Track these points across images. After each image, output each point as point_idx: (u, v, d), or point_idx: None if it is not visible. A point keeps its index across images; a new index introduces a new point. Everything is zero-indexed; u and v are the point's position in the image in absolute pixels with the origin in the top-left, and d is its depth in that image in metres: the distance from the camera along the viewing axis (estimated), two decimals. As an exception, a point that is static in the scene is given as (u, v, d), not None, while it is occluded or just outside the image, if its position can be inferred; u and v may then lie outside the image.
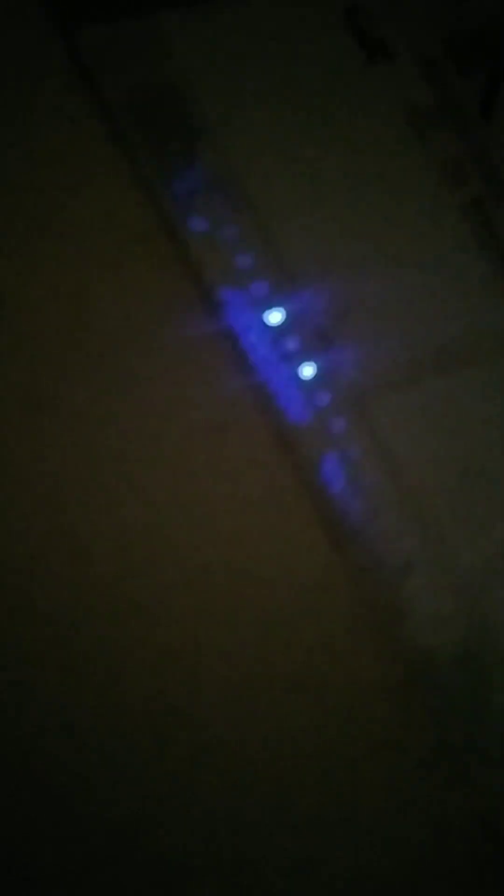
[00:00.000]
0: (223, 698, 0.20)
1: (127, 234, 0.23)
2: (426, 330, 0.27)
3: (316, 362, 0.24)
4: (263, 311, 0.24)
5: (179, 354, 0.22)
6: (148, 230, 0.23)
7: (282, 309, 0.24)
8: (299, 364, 0.24)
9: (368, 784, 0.22)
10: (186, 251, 0.23)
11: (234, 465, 0.22)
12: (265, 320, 0.24)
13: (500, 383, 0.28)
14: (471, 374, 0.28)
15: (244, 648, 0.21)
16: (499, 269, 0.30)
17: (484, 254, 0.30)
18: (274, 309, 0.24)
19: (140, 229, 0.23)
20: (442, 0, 0.32)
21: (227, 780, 0.20)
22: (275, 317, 0.24)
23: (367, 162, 0.28)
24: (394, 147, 0.29)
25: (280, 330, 0.24)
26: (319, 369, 0.24)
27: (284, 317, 0.24)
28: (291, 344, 0.24)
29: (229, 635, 0.21)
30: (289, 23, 0.27)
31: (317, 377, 0.24)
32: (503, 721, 0.24)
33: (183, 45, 0.25)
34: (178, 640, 0.20)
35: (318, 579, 0.23)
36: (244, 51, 0.26)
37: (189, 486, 0.21)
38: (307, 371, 0.24)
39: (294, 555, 0.22)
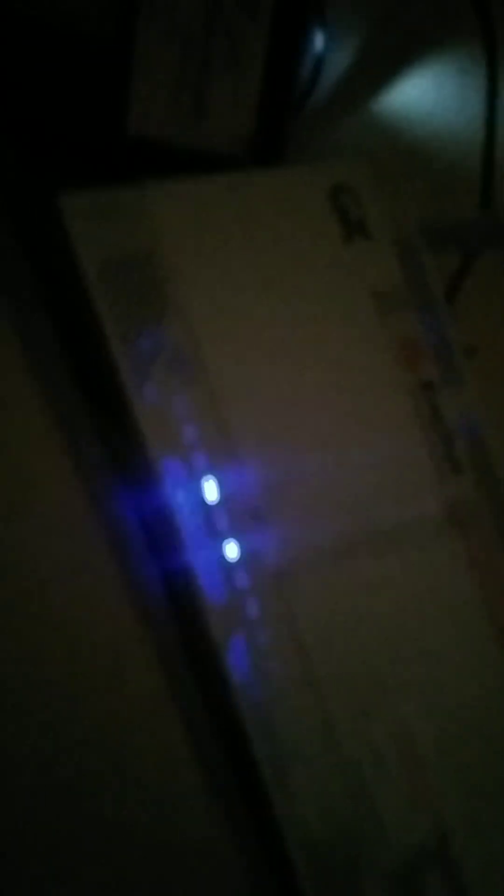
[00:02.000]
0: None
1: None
2: (357, 512, 0.28)
3: (241, 541, 0.25)
4: (200, 484, 0.25)
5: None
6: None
7: (218, 483, 0.25)
8: (224, 542, 0.25)
9: None
10: (135, 420, 0.24)
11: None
12: (201, 495, 0.25)
13: (425, 570, 0.29)
14: (397, 559, 0.29)
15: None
16: (439, 452, 0.31)
17: (428, 436, 0.31)
18: (210, 482, 0.25)
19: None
20: (424, 185, 0.34)
21: None
22: (210, 491, 0.25)
23: (329, 339, 0.29)
24: (356, 325, 0.30)
25: (213, 506, 0.25)
26: (244, 549, 0.25)
27: (219, 492, 0.25)
28: (222, 521, 0.25)
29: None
30: (274, 200, 0.29)
31: (240, 557, 0.25)
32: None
33: (165, 216, 0.26)
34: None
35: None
36: (226, 226, 0.27)
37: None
38: (231, 551, 0.25)
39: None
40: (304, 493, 0.27)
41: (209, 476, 0.25)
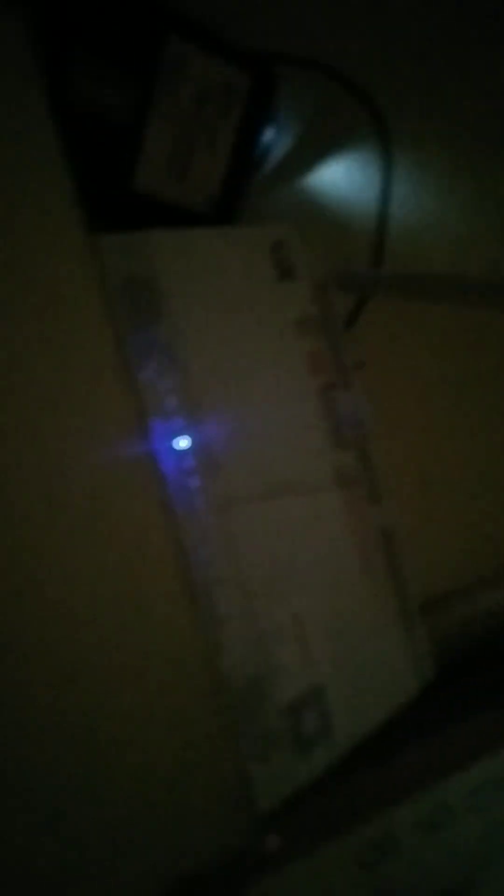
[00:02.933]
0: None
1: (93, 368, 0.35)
2: (277, 466, 0.41)
3: (201, 478, 0.37)
4: (177, 439, 0.37)
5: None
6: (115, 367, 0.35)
7: (188, 437, 0.37)
8: (190, 477, 0.37)
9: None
10: (135, 390, 0.36)
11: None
12: (176, 445, 0.37)
13: (319, 511, 0.43)
14: (301, 501, 0.42)
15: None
16: (333, 432, 0.44)
17: (326, 421, 0.44)
18: (183, 437, 0.37)
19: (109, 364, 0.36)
20: (334, 243, 0.48)
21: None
22: (183, 443, 0.37)
23: (262, 349, 0.42)
24: (283, 341, 0.43)
25: (185, 452, 0.37)
26: (201, 483, 0.37)
27: (189, 444, 0.37)
28: (189, 462, 0.37)
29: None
30: (236, 248, 0.41)
31: (198, 488, 0.37)
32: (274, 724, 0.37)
33: (165, 254, 0.37)
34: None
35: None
36: (205, 264, 0.39)
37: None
38: (193, 482, 0.37)
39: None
40: (245, 451, 0.39)
41: (184, 434, 0.37)
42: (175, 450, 0.37)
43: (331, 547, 0.43)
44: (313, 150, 0.49)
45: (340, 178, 0.50)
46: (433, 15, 0.49)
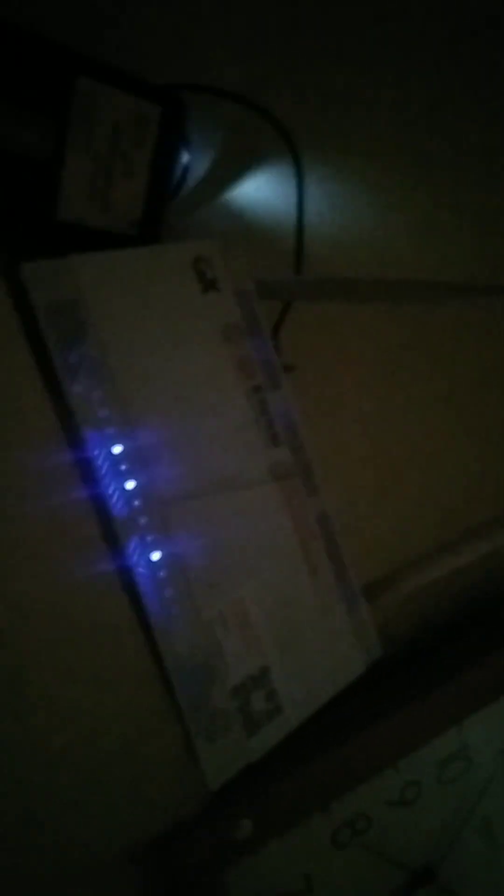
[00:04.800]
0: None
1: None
2: (212, 465, 0.44)
3: (137, 480, 0.40)
4: (110, 446, 0.39)
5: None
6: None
7: (121, 444, 0.40)
8: (126, 480, 0.39)
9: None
10: (69, 404, 0.38)
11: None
12: (111, 452, 0.39)
13: (257, 508, 0.45)
14: (239, 497, 0.45)
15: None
16: (265, 430, 0.47)
17: (258, 421, 0.47)
18: (116, 444, 0.40)
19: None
20: (256, 252, 0.51)
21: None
22: (116, 449, 0.40)
23: (190, 357, 0.45)
24: (210, 348, 0.46)
25: (118, 458, 0.40)
26: (138, 484, 0.40)
27: (122, 449, 0.40)
28: (124, 466, 0.40)
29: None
30: (157, 266, 0.44)
31: (135, 489, 0.39)
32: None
33: (89, 276, 0.40)
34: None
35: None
36: (127, 283, 0.42)
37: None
38: (129, 485, 0.39)
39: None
40: (178, 453, 0.42)
41: (117, 441, 0.40)
42: (110, 455, 0.39)
43: (271, 537, 0.46)
44: (229, 169, 0.53)
45: (257, 192, 0.54)
46: (332, 26, 0.53)
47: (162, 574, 0.39)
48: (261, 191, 0.53)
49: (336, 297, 0.52)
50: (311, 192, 0.54)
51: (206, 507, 0.42)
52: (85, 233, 0.44)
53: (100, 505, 0.38)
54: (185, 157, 0.49)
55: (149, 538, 0.39)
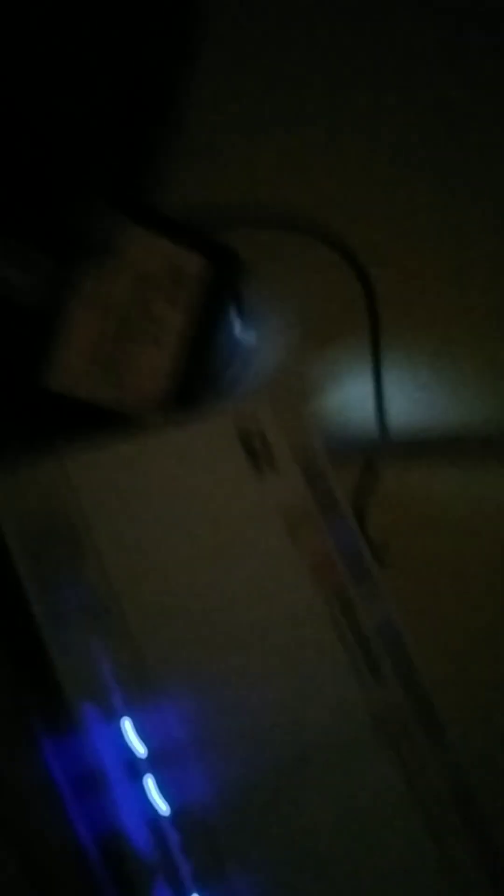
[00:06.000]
0: None
1: None
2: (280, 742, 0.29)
3: (161, 783, 0.26)
4: (119, 725, 0.27)
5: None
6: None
7: (135, 723, 0.27)
8: (144, 774, 0.26)
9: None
10: (54, 667, 0.26)
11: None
12: (121, 736, 0.26)
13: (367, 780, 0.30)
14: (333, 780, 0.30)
15: None
16: (360, 660, 0.33)
17: (348, 647, 0.33)
18: (128, 722, 0.27)
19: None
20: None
21: None
22: (129, 732, 0.27)
23: (244, 568, 0.32)
24: (269, 551, 0.33)
25: (133, 748, 0.26)
26: (167, 794, 0.26)
27: (138, 733, 0.27)
28: (142, 764, 0.26)
29: None
30: (185, 451, 0.32)
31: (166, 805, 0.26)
32: None
33: (82, 481, 0.29)
34: None
35: None
36: (138, 482, 0.31)
37: None
38: (153, 793, 0.26)
39: None
40: (226, 729, 0.28)
41: (126, 717, 0.27)
42: (126, 752, 0.26)
43: (391, 830, 0.30)
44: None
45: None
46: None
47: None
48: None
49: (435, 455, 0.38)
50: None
51: (282, 823, 0.27)
52: (85, 410, 0.34)
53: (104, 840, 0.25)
54: (238, 329, 0.38)
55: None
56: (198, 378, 0.36)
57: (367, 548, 0.35)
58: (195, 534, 0.31)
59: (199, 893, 0.25)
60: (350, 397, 0.41)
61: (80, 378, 0.34)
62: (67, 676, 0.26)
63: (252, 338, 0.38)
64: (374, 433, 0.40)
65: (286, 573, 0.33)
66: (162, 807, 0.26)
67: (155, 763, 0.26)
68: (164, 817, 0.25)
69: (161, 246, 0.36)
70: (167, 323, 0.36)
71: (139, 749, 0.26)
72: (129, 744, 0.26)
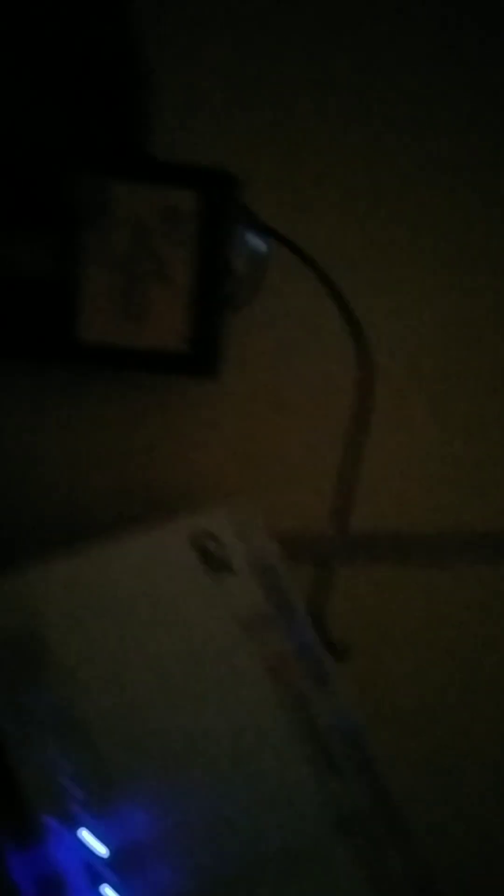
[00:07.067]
0: None
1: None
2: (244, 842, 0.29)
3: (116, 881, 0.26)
4: (82, 836, 0.27)
5: None
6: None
7: (100, 834, 0.27)
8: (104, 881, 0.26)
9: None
10: (20, 784, 0.27)
11: None
12: (83, 847, 0.27)
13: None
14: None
15: None
16: (319, 760, 0.33)
17: (305, 747, 0.33)
18: (90, 834, 0.27)
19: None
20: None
21: None
22: (92, 842, 0.27)
23: (201, 675, 0.33)
24: (226, 655, 0.34)
25: (97, 857, 0.27)
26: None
27: (102, 843, 0.27)
28: (106, 874, 0.26)
29: None
30: (142, 559, 0.34)
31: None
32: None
33: (45, 596, 0.31)
34: None
35: None
36: (99, 590, 0.32)
37: None
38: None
39: None
40: (186, 836, 0.28)
41: (86, 826, 0.27)
42: (80, 854, 0.26)
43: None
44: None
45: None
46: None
47: None
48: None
49: (388, 558, 0.40)
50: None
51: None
52: (121, 354, 0.37)
53: None
54: (251, 240, 0.39)
55: None
56: (216, 300, 0.38)
57: (322, 646, 0.36)
58: (154, 640, 0.32)
59: None
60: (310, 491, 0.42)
61: (106, 328, 0.36)
62: (30, 789, 0.27)
63: (266, 244, 0.41)
64: (331, 530, 0.42)
65: (243, 675, 0.34)
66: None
67: (116, 869, 0.26)
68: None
69: (149, 193, 0.37)
70: (172, 260, 0.37)
71: (101, 853, 0.27)
72: (91, 851, 0.27)
